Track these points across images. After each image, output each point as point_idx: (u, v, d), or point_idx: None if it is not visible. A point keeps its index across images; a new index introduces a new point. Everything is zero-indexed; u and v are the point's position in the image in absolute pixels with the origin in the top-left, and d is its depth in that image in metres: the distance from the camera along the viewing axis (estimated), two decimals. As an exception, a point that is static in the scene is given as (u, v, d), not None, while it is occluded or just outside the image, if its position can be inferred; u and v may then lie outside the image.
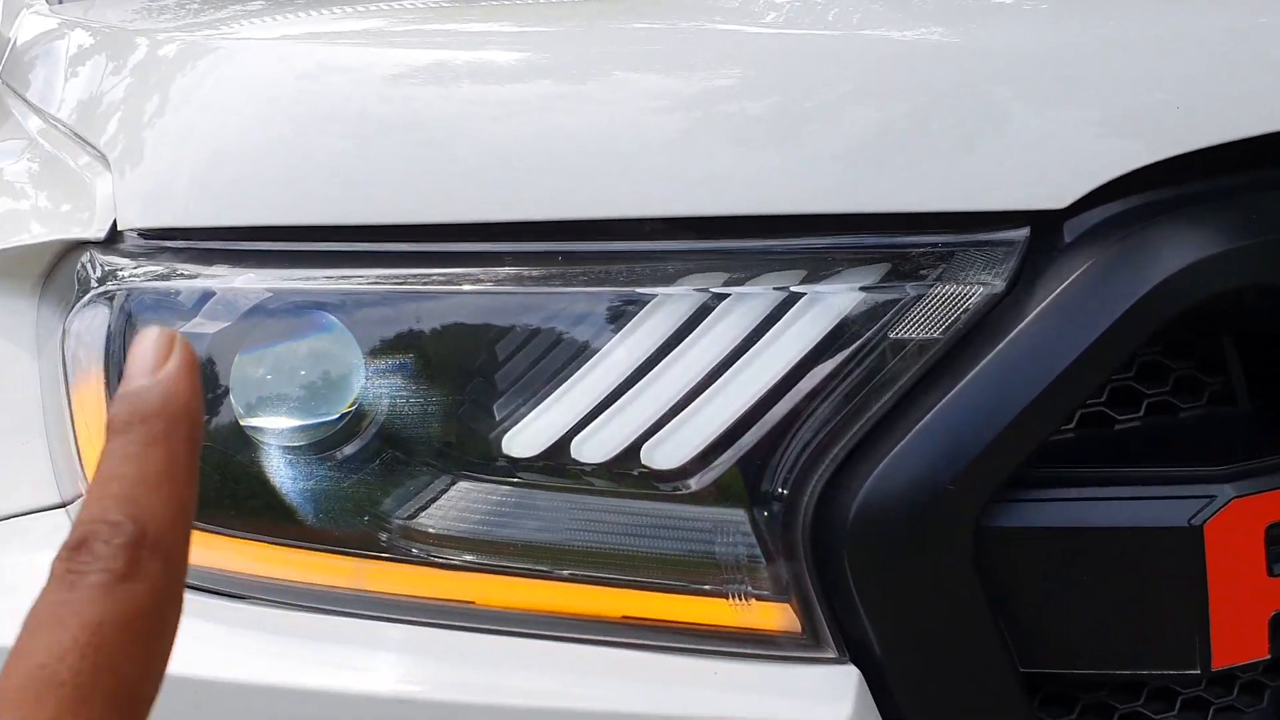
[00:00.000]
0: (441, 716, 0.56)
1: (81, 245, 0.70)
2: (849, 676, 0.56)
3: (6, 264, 0.74)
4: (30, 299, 0.74)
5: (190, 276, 0.65)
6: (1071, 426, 0.61)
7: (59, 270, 0.73)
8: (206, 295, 0.63)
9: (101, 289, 0.66)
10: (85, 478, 0.67)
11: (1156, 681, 0.59)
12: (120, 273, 0.66)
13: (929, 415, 0.55)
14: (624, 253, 0.59)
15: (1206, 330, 0.63)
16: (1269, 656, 0.58)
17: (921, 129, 0.58)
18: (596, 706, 0.55)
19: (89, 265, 0.68)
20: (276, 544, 0.61)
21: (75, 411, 0.67)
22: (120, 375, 0.66)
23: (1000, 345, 0.55)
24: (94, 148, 0.77)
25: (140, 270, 0.66)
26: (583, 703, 0.55)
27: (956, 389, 0.55)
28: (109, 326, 0.66)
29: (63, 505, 0.68)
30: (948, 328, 0.55)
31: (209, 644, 0.60)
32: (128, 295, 0.65)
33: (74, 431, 0.67)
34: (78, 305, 0.67)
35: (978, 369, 0.55)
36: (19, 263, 0.74)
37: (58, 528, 0.68)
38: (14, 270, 0.74)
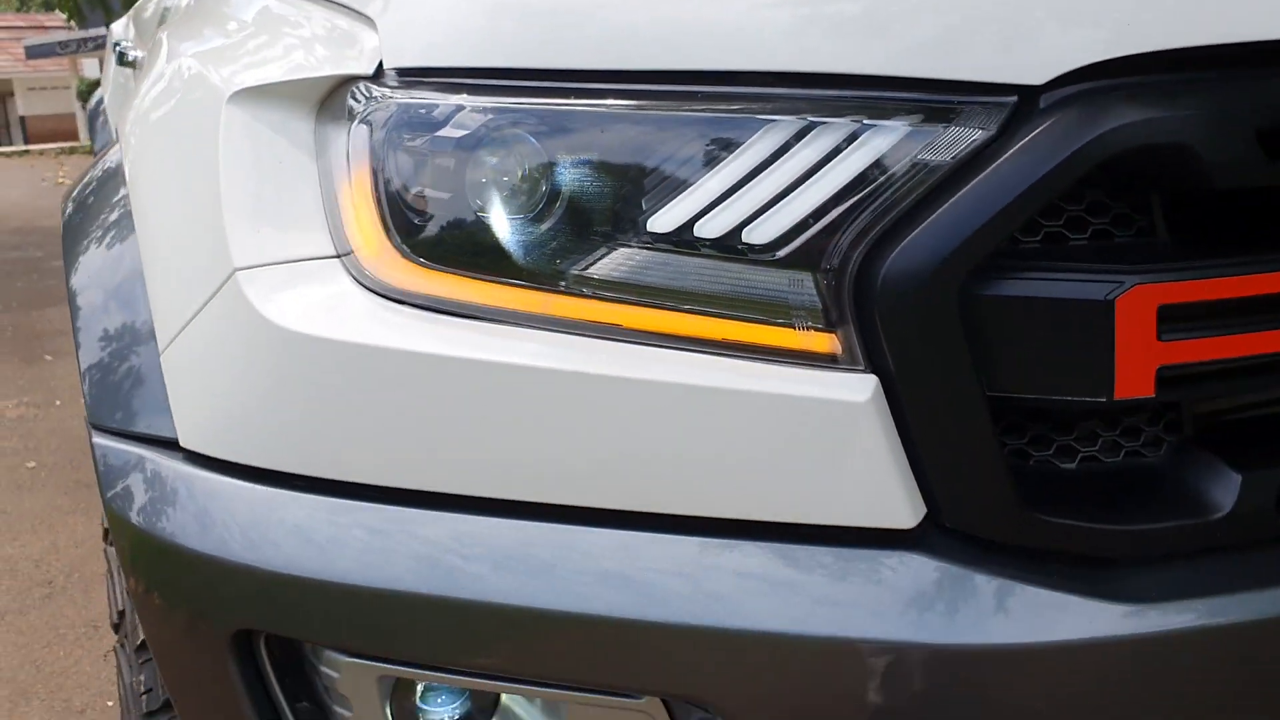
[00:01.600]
0: (598, 386, 0.87)
1: (352, 79, 1.00)
2: (871, 379, 0.85)
3: (293, 91, 1.04)
4: (308, 119, 1.04)
5: (441, 100, 0.94)
6: (1038, 239, 0.90)
7: (332, 97, 1.03)
8: (456, 109, 0.93)
9: (376, 106, 0.96)
10: (349, 240, 0.97)
11: (1080, 405, 0.87)
12: (389, 96, 0.96)
13: (934, 214, 0.83)
14: (745, 94, 0.87)
15: (1142, 183, 0.91)
16: (1154, 395, 0.86)
17: (951, 22, 0.85)
18: (704, 383, 0.85)
19: (362, 92, 0.98)
20: (501, 284, 0.91)
21: (354, 193, 0.97)
22: (384, 173, 0.95)
23: (987, 170, 0.83)
24: (348, 7, 1.06)
25: (404, 95, 0.96)
26: (694, 381, 0.85)
27: (955, 197, 0.83)
28: (380, 134, 0.96)
29: (336, 256, 0.98)
30: (954, 156, 0.84)
31: (453, 342, 0.90)
32: (396, 109, 0.95)
33: (353, 206, 0.97)
34: (357, 118, 0.97)
35: (970, 185, 0.83)
36: (302, 90, 1.03)
37: (329, 269, 0.98)
38: (298, 95, 1.03)
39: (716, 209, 0.88)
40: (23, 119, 32.83)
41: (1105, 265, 0.86)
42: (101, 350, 1.12)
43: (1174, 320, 0.85)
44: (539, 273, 0.92)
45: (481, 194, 0.93)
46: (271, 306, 0.95)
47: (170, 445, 1.01)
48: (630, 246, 0.90)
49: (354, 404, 0.92)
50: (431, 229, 0.95)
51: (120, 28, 4.02)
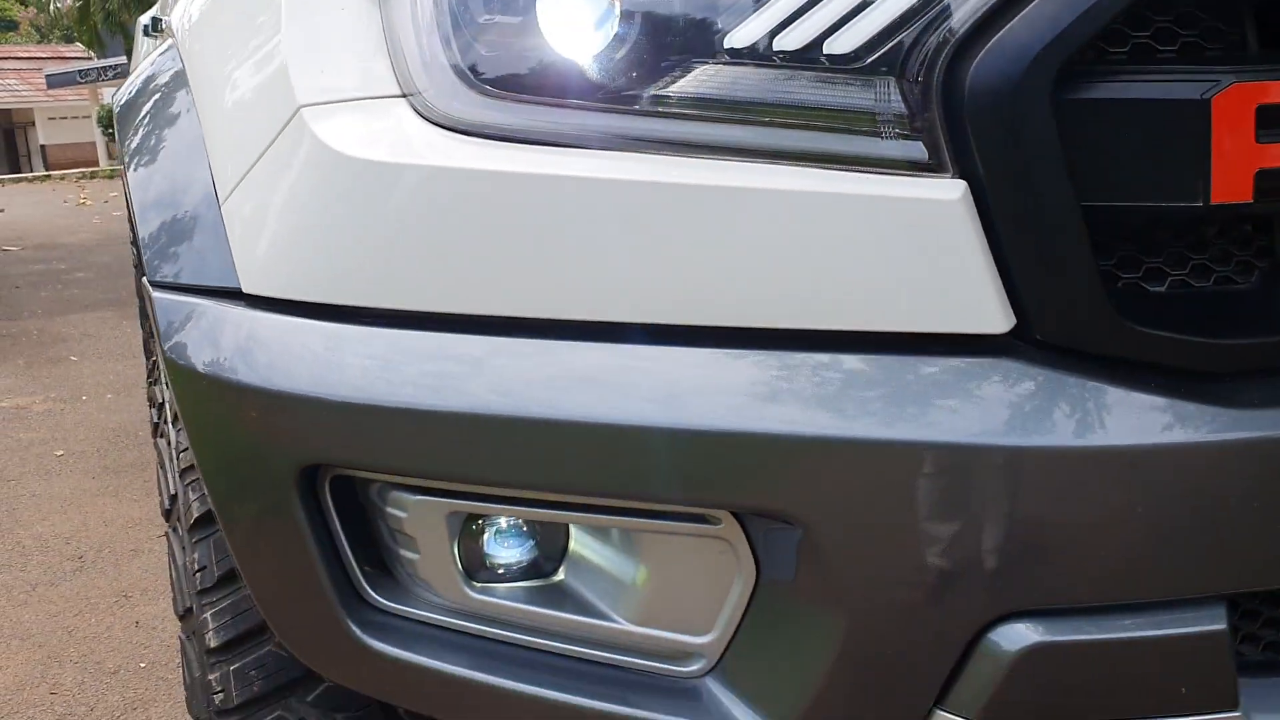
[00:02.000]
0: (677, 197, 0.84)
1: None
2: (960, 183, 0.83)
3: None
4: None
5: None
6: (1126, 49, 0.87)
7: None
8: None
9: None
10: (414, 79, 0.95)
11: (1175, 212, 0.84)
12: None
13: (1023, 11, 0.81)
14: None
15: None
16: (1252, 201, 0.83)
17: None
18: (788, 187, 0.83)
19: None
20: (575, 107, 0.89)
21: (419, 31, 0.95)
22: (450, 6, 0.93)
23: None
24: None
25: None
26: (778, 185, 0.83)
27: (1042, -4, 0.81)
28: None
29: (402, 95, 0.96)
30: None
31: (528, 163, 0.88)
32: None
33: (418, 44, 0.95)
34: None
35: (1059, -18, 0.81)
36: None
37: (395, 106, 0.96)
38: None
39: (797, 21, 0.85)
40: (43, 148, 33.19)
41: (1199, 65, 0.83)
42: (157, 211, 1.11)
43: (1274, 121, 0.82)
44: (614, 94, 0.89)
45: (552, 18, 0.91)
46: (337, 137, 0.93)
47: (231, 294, 0.99)
48: (708, 63, 0.88)
49: (424, 231, 0.90)
50: (501, 59, 0.93)
51: (147, 18, 4.05)
